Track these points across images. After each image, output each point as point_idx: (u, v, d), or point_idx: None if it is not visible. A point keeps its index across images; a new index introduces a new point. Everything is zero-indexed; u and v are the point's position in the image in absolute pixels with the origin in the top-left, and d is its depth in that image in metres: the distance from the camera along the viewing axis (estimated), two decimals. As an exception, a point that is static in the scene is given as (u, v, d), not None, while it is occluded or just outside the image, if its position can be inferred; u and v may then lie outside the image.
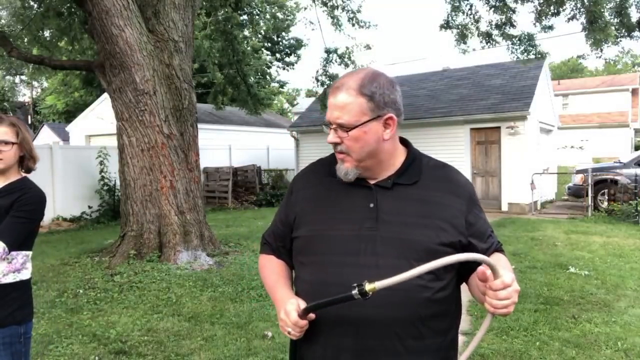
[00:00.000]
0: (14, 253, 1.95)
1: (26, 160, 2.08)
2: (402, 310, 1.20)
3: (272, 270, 1.43)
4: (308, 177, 1.45)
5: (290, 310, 1.20)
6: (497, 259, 1.26)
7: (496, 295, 1.07)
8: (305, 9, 23.04)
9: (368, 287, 1.04)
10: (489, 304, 1.08)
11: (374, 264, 1.19)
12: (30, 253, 2.06)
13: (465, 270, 1.30)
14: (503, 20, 10.35)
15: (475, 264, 1.22)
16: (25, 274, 2.04)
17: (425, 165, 1.36)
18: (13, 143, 2.02)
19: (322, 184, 1.38)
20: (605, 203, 11.40)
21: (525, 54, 10.32)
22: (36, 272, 6.45)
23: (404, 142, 1.39)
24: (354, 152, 1.27)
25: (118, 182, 8.08)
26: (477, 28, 10.68)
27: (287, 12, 27.81)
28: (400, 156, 1.34)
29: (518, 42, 10.26)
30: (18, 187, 2.03)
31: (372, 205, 1.27)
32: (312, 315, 1.21)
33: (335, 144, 1.29)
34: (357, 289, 1.06)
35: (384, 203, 1.28)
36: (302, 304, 1.22)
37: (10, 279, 1.97)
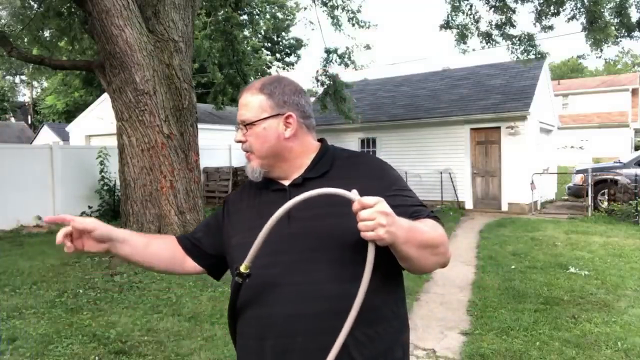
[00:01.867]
0: None
1: None
2: (314, 305, 1.17)
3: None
4: (238, 192, 1.49)
5: (75, 218, 1.23)
6: (422, 222, 1.21)
7: (358, 217, 1.03)
8: (305, 9, 23.04)
9: (242, 267, 1.12)
10: (358, 229, 1.05)
11: (288, 261, 1.20)
12: None
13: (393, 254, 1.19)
14: (503, 20, 10.36)
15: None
16: None
17: (339, 157, 1.37)
18: None
19: (249, 196, 1.42)
20: (605, 203, 11.40)
21: (525, 54, 10.34)
22: (36, 272, 6.45)
23: (321, 141, 1.42)
24: (256, 149, 1.34)
25: (118, 182, 8.07)
26: (477, 28, 10.70)
27: (287, 12, 27.82)
28: (312, 155, 1.36)
29: (518, 42, 10.28)
30: None
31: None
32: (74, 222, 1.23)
33: (241, 143, 1.36)
34: (236, 275, 1.12)
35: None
36: (103, 229, 1.28)
37: None
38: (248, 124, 1.33)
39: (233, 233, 1.37)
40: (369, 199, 1.02)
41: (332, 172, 1.32)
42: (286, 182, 1.35)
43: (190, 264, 1.49)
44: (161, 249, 1.45)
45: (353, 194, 1.05)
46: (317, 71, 13.05)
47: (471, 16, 10.60)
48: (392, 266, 1.22)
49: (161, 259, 1.44)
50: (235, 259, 1.28)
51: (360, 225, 1.03)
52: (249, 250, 1.21)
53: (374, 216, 1.02)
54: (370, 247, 1.05)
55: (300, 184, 1.31)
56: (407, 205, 1.27)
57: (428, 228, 1.19)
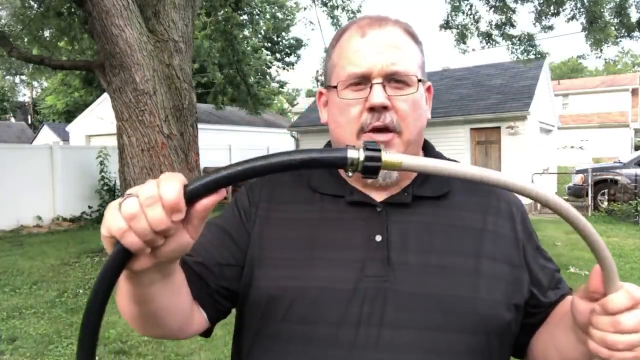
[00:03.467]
0: None
1: None
2: None
3: None
4: (276, 188, 0.88)
5: (169, 177, 0.54)
6: None
7: (616, 324, 0.60)
8: (305, 9, 23.11)
9: (387, 156, 0.55)
10: (599, 340, 0.61)
11: (387, 342, 0.72)
12: None
13: (525, 332, 0.84)
14: (503, 20, 10.36)
15: (532, 320, 0.83)
16: None
17: None
18: None
19: (297, 201, 0.85)
20: (605, 203, 11.40)
21: (525, 54, 10.34)
22: (36, 272, 6.45)
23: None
24: (407, 127, 0.80)
25: (118, 182, 8.08)
26: (477, 28, 10.70)
27: (287, 12, 27.83)
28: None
29: (518, 42, 10.28)
30: None
31: (379, 237, 0.77)
32: (206, 203, 0.53)
33: (383, 110, 0.77)
34: (363, 150, 0.55)
35: (399, 232, 0.78)
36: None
37: None
38: (402, 81, 0.79)
39: (266, 261, 0.80)
40: (637, 291, 0.65)
41: (454, 194, 0.84)
42: (377, 196, 0.82)
43: (200, 317, 0.80)
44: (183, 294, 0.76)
45: (616, 276, 0.65)
46: (317, 71, 13.10)
47: (471, 16, 10.60)
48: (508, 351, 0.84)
49: (178, 310, 0.75)
50: (270, 314, 0.78)
51: (614, 339, 0.60)
52: (300, 301, 0.75)
53: None
54: None
55: (407, 206, 0.81)
56: (552, 270, 0.86)
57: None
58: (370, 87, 0.78)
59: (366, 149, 0.55)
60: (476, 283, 0.75)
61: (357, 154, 0.55)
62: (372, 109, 0.78)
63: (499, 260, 0.79)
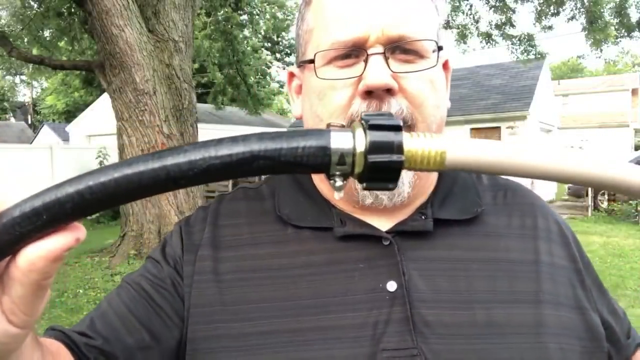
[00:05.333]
0: None
1: None
2: None
3: None
4: (225, 223, 0.60)
5: None
6: None
7: None
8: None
9: (415, 141, 0.32)
10: None
11: None
12: None
13: None
14: (503, 20, 10.36)
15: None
16: None
17: (478, 182, 0.63)
18: None
19: (261, 241, 0.57)
20: (605, 203, 11.40)
21: (525, 54, 10.35)
22: (36, 272, 6.47)
23: None
24: (424, 119, 0.55)
25: (118, 182, 8.09)
26: (477, 28, 10.71)
27: (287, 12, 27.84)
28: None
29: (518, 42, 10.29)
30: None
31: (392, 285, 0.52)
32: (34, 253, 0.34)
33: (386, 94, 0.52)
34: (363, 130, 0.32)
35: (421, 276, 0.53)
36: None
37: None
38: (413, 50, 0.54)
39: (211, 336, 0.53)
40: None
41: (487, 216, 0.59)
42: (380, 223, 0.57)
43: None
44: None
45: None
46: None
47: (471, 16, 10.60)
48: None
49: None
50: None
51: None
52: None
53: None
54: None
55: (428, 234, 0.56)
56: (622, 313, 0.64)
57: None
58: (366, 61, 0.52)
59: (370, 126, 0.30)
60: (542, 345, 0.50)
61: (349, 140, 0.29)
62: (368, 93, 0.52)
63: (564, 305, 0.53)
